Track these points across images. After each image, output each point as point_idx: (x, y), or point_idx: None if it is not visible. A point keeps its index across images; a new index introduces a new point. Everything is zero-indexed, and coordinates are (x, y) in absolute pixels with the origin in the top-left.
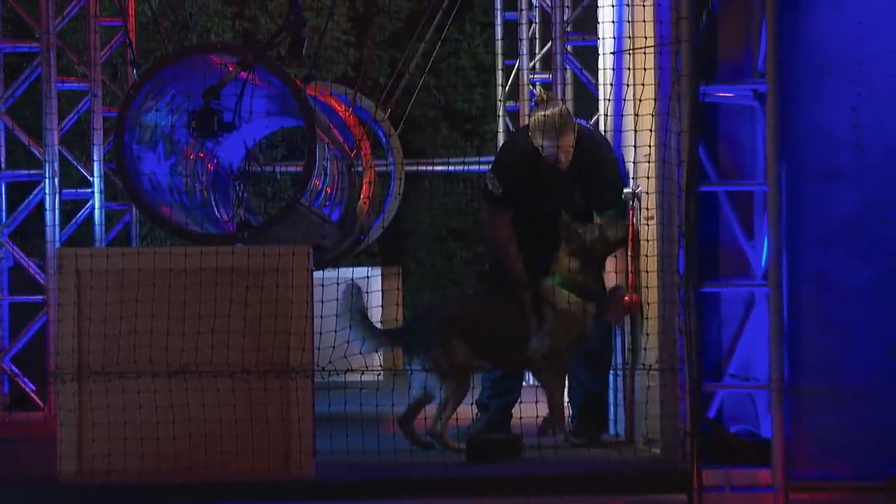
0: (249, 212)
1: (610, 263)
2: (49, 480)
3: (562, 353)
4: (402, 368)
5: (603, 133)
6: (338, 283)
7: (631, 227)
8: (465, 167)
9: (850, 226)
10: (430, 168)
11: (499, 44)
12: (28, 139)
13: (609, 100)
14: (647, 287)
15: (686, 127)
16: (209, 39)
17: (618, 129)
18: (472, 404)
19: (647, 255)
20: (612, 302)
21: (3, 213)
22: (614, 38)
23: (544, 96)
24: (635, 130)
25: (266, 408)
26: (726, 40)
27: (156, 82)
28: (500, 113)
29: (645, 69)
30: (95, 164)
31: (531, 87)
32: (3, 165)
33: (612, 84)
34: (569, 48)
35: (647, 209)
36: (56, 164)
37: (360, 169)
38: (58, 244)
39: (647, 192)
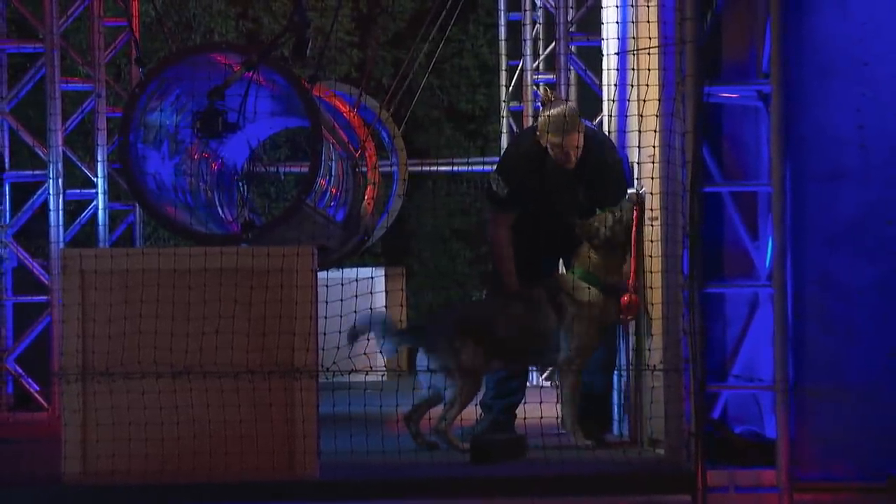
0: (253, 212)
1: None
2: (53, 481)
3: (584, 350)
4: (405, 369)
5: (607, 134)
6: (342, 284)
7: (634, 228)
8: (469, 167)
9: (854, 226)
10: (433, 168)
11: (502, 44)
12: (32, 140)
13: (613, 100)
14: (651, 287)
15: (690, 127)
16: (213, 40)
17: (622, 130)
18: (476, 405)
19: (651, 256)
20: None
21: (7, 213)
22: (618, 38)
23: (550, 96)
24: (639, 131)
25: (270, 408)
26: (730, 41)
27: (160, 82)
28: (504, 113)
29: (649, 70)
30: (99, 164)
31: (535, 87)
32: (7, 166)
33: (615, 84)
34: (573, 49)
35: (652, 210)
36: (60, 165)
37: (364, 169)
38: (62, 244)
39: (652, 193)
